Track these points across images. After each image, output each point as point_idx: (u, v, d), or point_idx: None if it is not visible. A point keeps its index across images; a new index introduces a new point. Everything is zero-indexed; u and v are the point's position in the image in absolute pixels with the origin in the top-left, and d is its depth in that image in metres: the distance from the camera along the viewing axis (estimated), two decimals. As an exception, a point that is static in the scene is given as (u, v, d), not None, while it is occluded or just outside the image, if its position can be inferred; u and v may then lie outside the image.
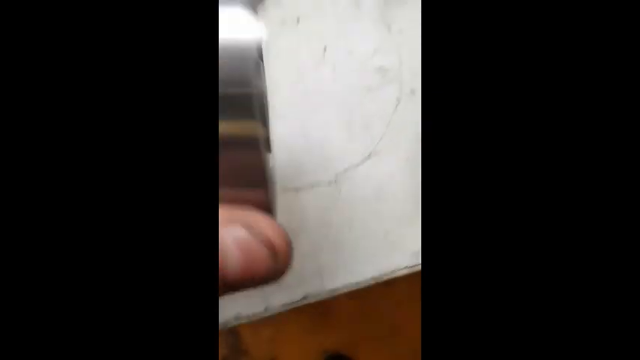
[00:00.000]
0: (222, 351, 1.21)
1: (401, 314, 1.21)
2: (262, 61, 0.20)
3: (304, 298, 0.41)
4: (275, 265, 0.18)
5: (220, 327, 0.41)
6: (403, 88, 0.44)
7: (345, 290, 0.41)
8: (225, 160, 0.20)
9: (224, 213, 0.19)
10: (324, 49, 0.45)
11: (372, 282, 0.41)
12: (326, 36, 0.45)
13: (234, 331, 1.21)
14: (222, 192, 0.19)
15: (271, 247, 0.18)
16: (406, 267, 0.42)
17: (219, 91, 0.20)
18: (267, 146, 0.20)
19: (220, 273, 0.18)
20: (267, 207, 0.19)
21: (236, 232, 0.18)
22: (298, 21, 0.46)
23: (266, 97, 0.20)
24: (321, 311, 1.22)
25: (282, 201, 0.38)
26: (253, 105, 0.20)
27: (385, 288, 0.42)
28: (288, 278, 0.41)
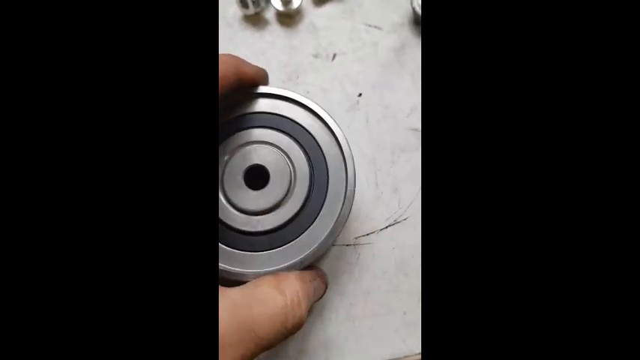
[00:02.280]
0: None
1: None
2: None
3: (304, 374, 0.36)
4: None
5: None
6: (439, 153, 0.40)
7: (352, 372, 0.36)
8: None
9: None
10: (359, 96, 0.42)
11: (384, 366, 0.36)
12: (362, 82, 0.42)
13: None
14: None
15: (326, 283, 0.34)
16: (420, 353, 0.37)
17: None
18: None
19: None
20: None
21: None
22: (334, 58, 0.43)
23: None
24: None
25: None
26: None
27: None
28: (289, 347, 0.37)
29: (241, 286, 0.27)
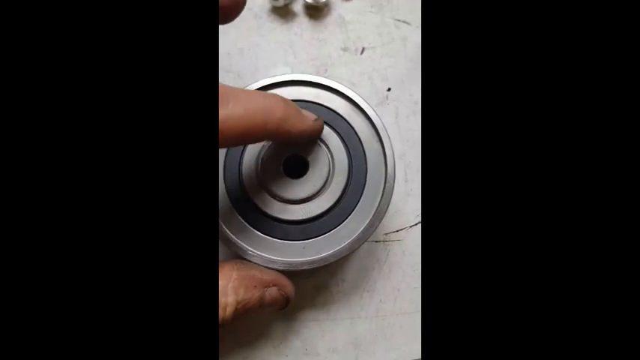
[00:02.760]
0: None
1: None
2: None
3: (333, 372, 0.35)
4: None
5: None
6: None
7: (382, 370, 0.35)
8: None
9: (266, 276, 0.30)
10: (388, 90, 0.41)
11: (414, 365, 0.35)
12: (391, 76, 0.42)
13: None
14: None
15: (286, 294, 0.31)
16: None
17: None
18: None
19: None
20: None
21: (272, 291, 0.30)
22: (362, 52, 0.42)
23: None
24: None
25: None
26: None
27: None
28: (318, 345, 0.36)
29: None
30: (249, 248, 0.30)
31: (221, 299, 0.26)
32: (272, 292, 0.29)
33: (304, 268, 0.30)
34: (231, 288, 0.27)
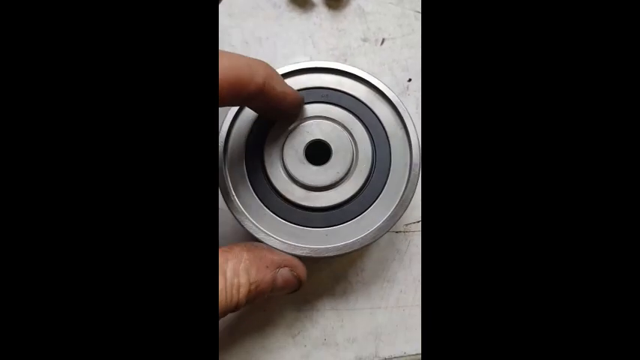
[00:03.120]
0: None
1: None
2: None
3: (353, 362, 0.35)
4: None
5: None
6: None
7: (403, 361, 0.35)
8: None
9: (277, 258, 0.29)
10: (409, 81, 0.41)
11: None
12: (411, 67, 0.41)
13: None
14: None
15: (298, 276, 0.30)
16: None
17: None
18: None
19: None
20: None
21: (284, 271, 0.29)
22: (382, 42, 0.42)
23: None
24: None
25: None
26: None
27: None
28: (337, 335, 0.35)
29: None
30: (272, 234, 0.30)
31: (234, 280, 0.25)
32: (284, 272, 0.28)
33: (328, 255, 0.30)
34: (243, 269, 0.26)
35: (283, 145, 0.31)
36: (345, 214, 0.31)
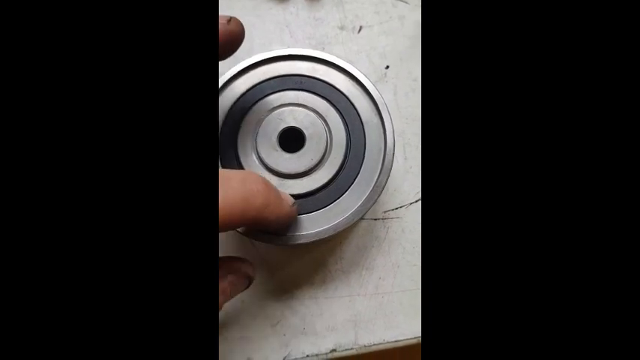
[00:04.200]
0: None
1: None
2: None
3: (332, 350, 0.35)
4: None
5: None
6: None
7: (381, 347, 0.35)
8: None
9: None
10: (387, 68, 0.41)
11: (414, 341, 0.35)
12: (389, 54, 0.41)
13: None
14: None
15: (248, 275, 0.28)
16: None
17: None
18: None
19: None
20: None
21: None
22: (360, 30, 0.42)
23: None
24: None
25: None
26: None
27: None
28: (316, 324, 0.35)
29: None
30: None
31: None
32: (230, 278, 0.27)
33: (303, 242, 0.30)
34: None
35: (257, 133, 0.31)
36: (319, 200, 0.31)
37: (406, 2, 0.43)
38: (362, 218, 0.37)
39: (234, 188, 0.23)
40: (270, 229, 0.29)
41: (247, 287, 0.29)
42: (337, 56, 0.33)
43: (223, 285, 0.27)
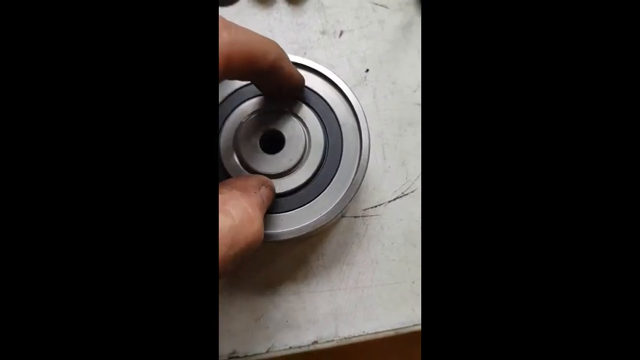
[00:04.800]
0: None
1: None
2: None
3: (314, 342, 0.36)
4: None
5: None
6: (445, 127, 0.41)
7: (361, 339, 0.36)
8: None
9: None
10: (367, 72, 0.42)
11: (392, 333, 0.37)
12: (369, 58, 0.43)
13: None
14: None
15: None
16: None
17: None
18: None
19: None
20: None
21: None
22: (341, 35, 0.43)
23: None
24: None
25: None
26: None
27: (403, 343, 0.38)
28: (299, 317, 0.37)
29: None
30: None
31: (243, 215, 0.25)
32: (263, 191, 0.29)
33: (284, 238, 0.31)
34: (240, 206, 0.26)
35: (238, 136, 0.32)
36: (299, 199, 0.32)
37: (385, 7, 0.45)
38: (342, 216, 0.39)
39: (254, 33, 0.27)
40: (286, 86, 0.31)
41: (272, 202, 0.31)
42: (319, 60, 0.35)
43: (259, 199, 0.28)
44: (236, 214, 0.25)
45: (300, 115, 0.33)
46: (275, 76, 0.29)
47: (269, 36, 0.43)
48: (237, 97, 0.34)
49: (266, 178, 0.31)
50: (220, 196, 0.26)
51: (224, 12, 0.44)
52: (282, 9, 0.45)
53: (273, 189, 0.31)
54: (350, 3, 0.45)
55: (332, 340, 0.36)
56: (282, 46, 0.43)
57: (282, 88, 0.31)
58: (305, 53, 0.43)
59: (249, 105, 0.33)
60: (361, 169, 0.32)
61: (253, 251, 0.25)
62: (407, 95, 0.42)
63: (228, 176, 0.32)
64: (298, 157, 0.32)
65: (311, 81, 0.34)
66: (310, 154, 0.33)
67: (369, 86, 0.42)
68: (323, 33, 0.44)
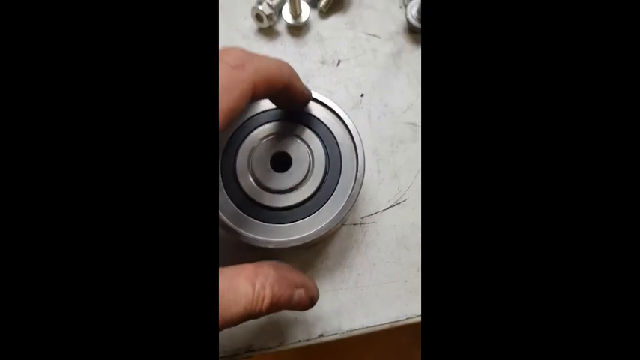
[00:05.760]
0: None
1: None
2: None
3: (320, 335, 0.42)
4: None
5: (230, 357, 0.42)
6: (432, 143, 0.46)
7: (361, 331, 0.42)
8: None
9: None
10: (362, 96, 0.48)
11: (388, 326, 0.42)
12: (363, 84, 0.48)
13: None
14: None
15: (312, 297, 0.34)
16: (419, 315, 0.42)
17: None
18: None
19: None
20: None
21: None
22: (338, 63, 0.49)
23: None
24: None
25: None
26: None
27: (397, 333, 0.43)
28: (306, 314, 0.42)
29: (228, 270, 0.29)
30: (244, 232, 0.37)
31: (260, 292, 0.29)
32: (300, 292, 0.32)
33: (291, 245, 0.36)
34: (269, 284, 0.30)
35: (252, 158, 0.38)
36: (305, 210, 0.38)
37: (378, 37, 0.50)
38: (343, 224, 0.44)
39: (269, 60, 0.32)
40: (296, 101, 0.37)
41: (306, 309, 0.34)
42: (319, 87, 0.40)
43: (293, 293, 0.32)
44: (258, 289, 0.29)
45: (304, 138, 0.39)
46: (288, 92, 0.34)
47: (275, 66, 0.49)
48: (249, 125, 0.39)
49: (312, 285, 0.34)
50: (258, 269, 0.30)
51: (237, 44, 0.49)
52: (285, 41, 0.50)
53: (312, 298, 0.33)
54: (346, 34, 0.51)
55: (336, 334, 0.42)
56: (286, 75, 0.48)
57: (293, 102, 0.37)
58: (307, 81, 0.49)
59: (260, 131, 0.39)
60: (358, 183, 0.38)
61: (251, 319, 0.29)
62: (398, 116, 0.47)
63: (244, 194, 0.37)
64: (303, 174, 0.38)
65: (313, 108, 0.40)
66: (314, 171, 0.38)
67: (364, 109, 0.48)
68: (323, 62, 0.49)
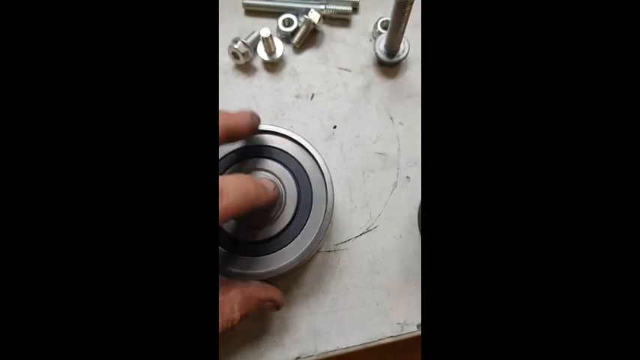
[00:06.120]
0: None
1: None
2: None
3: (297, 358, 0.44)
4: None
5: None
6: (400, 173, 0.49)
7: (336, 353, 0.44)
8: None
9: None
10: (334, 128, 0.51)
11: (361, 347, 0.44)
12: (336, 116, 0.51)
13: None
14: None
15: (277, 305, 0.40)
16: (391, 336, 0.45)
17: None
18: None
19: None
20: None
21: None
22: (312, 97, 0.52)
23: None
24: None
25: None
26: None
27: (371, 354, 0.45)
28: (284, 338, 0.45)
29: None
30: (232, 269, 0.39)
31: (230, 316, 0.34)
32: (266, 305, 0.39)
33: (265, 278, 0.39)
34: (237, 308, 0.35)
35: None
36: (280, 243, 0.40)
37: (349, 70, 0.53)
38: (318, 251, 0.47)
39: (236, 189, 0.32)
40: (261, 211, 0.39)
41: (277, 309, 0.40)
42: (294, 120, 0.43)
43: (259, 308, 0.37)
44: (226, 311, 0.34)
45: (277, 174, 0.41)
46: (255, 208, 0.35)
47: (252, 101, 0.52)
48: (223, 163, 0.42)
49: (278, 296, 0.39)
50: (224, 289, 0.36)
51: (213, 82, 0.52)
52: (262, 76, 0.53)
53: (275, 305, 0.39)
54: (319, 69, 0.53)
55: (312, 355, 0.44)
56: (262, 109, 0.51)
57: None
58: (283, 114, 0.51)
59: (235, 168, 0.42)
60: (327, 215, 0.40)
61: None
62: (369, 146, 0.50)
63: (222, 230, 0.40)
64: (278, 209, 0.40)
65: (285, 145, 0.42)
66: (287, 205, 0.41)
67: (337, 140, 0.51)
68: (297, 97, 0.52)
